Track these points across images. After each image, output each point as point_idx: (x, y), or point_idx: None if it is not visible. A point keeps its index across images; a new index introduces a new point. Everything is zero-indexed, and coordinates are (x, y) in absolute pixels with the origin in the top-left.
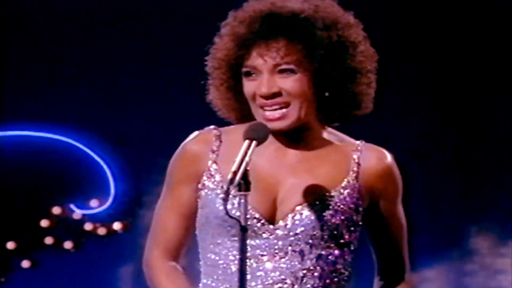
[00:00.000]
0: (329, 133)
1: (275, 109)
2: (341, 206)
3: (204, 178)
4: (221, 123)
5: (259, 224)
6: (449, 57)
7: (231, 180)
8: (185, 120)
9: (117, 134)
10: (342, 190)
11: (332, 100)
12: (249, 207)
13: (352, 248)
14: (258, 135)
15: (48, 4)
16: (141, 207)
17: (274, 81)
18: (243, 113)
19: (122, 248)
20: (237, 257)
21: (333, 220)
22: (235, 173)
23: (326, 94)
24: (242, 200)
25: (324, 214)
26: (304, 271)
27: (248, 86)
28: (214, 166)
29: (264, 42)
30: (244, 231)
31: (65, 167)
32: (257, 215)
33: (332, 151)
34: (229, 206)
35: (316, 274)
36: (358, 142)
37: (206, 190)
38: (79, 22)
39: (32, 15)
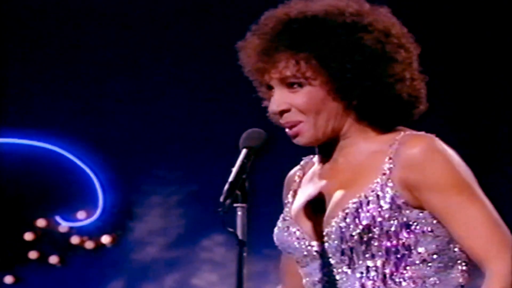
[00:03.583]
0: (374, 134)
1: (290, 127)
2: (370, 211)
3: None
4: (209, 136)
5: (309, 248)
6: (449, 59)
7: (228, 191)
8: (178, 129)
9: (106, 142)
10: (370, 193)
11: (365, 105)
12: (297, 231)
13: (420, 253)
14: (256, 143)
15: (39, 12)
16: (131, 220)
17: (284, 97)
18: None
19: (111, 263)
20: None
21: (362, 227)
22: (231, 183)
23: (354, 102)
24: (239, 212)
25: (350, 224)
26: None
27: (269, 103)
28: (290, 195)
29: (269, 57)
30: (241, 245)
31: (51, 176)
32: (307, 241)
33: (368, 154)
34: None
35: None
36: (400, 134)
37: None
38: (69, 28)
39: (25, 24)
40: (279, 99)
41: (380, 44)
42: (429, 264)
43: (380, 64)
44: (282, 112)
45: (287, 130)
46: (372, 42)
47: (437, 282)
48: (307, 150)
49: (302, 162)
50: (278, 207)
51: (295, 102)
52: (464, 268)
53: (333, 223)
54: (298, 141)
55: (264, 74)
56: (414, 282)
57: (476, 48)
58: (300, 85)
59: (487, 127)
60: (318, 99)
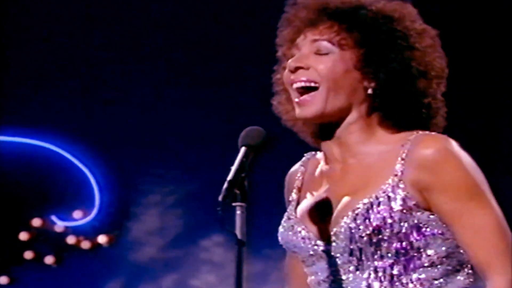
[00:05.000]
0: (383, 134)
1: (303, 89)
2: (380, 212)
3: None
4: (209, 135)
5: (315, 247)
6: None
7: (226, 190)
8: (175, 128)
9: (103, 141)
10: (381, 194)
11: (383, 98)
12: (302, 231)
13: (429, 255)
14: (255, 142)
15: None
16: (128, 219)
17: (308, 57)
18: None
19: (107, 263)
20: (312, 282)
21: (372, 228)
22: (230, 182)
23: (369, 91)
24: (238, 212)
25: (360, 225)
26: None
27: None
28: (293, 193)
29: (310, 25)
30: (240, 245)
31: (46, 175)
32: (313, 241)
33: (379, 154)
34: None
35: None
36: (413, 134)
37: None
38: (68, 27)
39: (24, 24)
40: (301, 57)
41: (419, 38)
42: (438, 266)
43: (413, 53)
44: (297, 69)
45: (296, 99)
46: (415, 32)
47: (444, 284)
48: (308, 148)
49: (303, 159)
50: (278, 206)
51: (318, 65)
52: (470, 271)
53: (342, 223)
54: (303, 111)
55: (299, 35)
56: (421, 284)
57: (477, 48)
58: (329, 52)
59: (489, 128)
60: (340, 69)
